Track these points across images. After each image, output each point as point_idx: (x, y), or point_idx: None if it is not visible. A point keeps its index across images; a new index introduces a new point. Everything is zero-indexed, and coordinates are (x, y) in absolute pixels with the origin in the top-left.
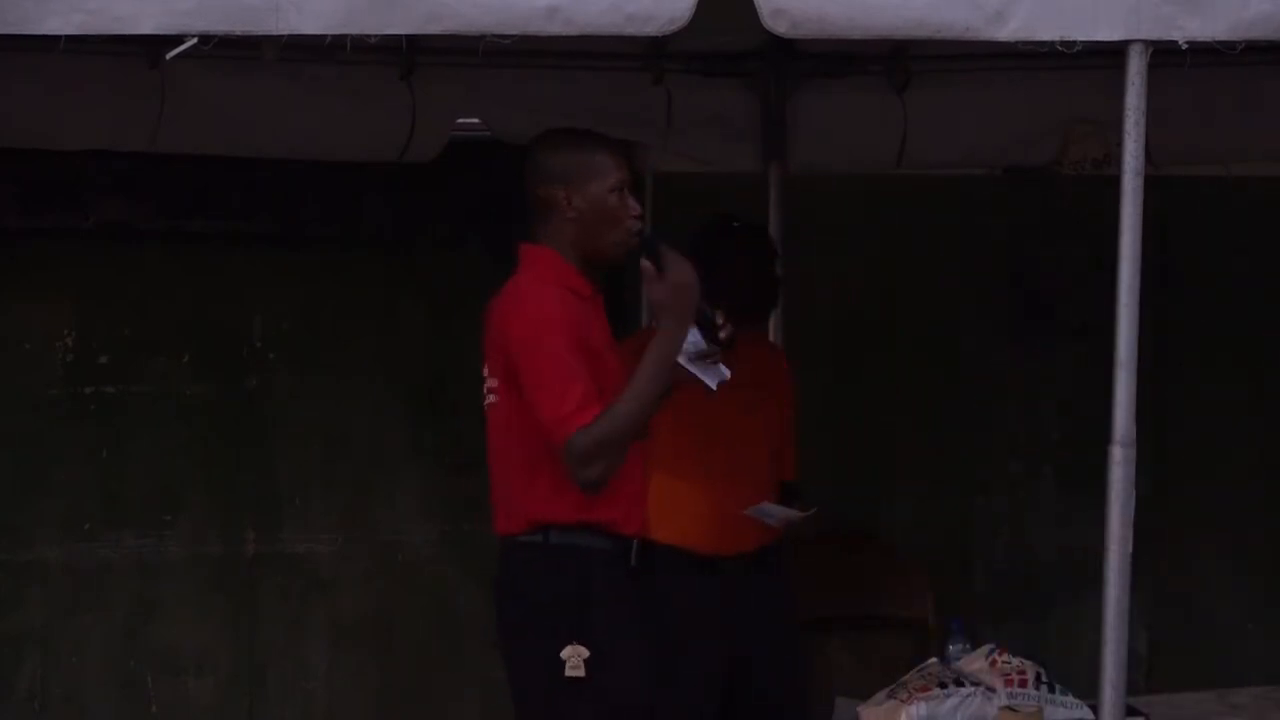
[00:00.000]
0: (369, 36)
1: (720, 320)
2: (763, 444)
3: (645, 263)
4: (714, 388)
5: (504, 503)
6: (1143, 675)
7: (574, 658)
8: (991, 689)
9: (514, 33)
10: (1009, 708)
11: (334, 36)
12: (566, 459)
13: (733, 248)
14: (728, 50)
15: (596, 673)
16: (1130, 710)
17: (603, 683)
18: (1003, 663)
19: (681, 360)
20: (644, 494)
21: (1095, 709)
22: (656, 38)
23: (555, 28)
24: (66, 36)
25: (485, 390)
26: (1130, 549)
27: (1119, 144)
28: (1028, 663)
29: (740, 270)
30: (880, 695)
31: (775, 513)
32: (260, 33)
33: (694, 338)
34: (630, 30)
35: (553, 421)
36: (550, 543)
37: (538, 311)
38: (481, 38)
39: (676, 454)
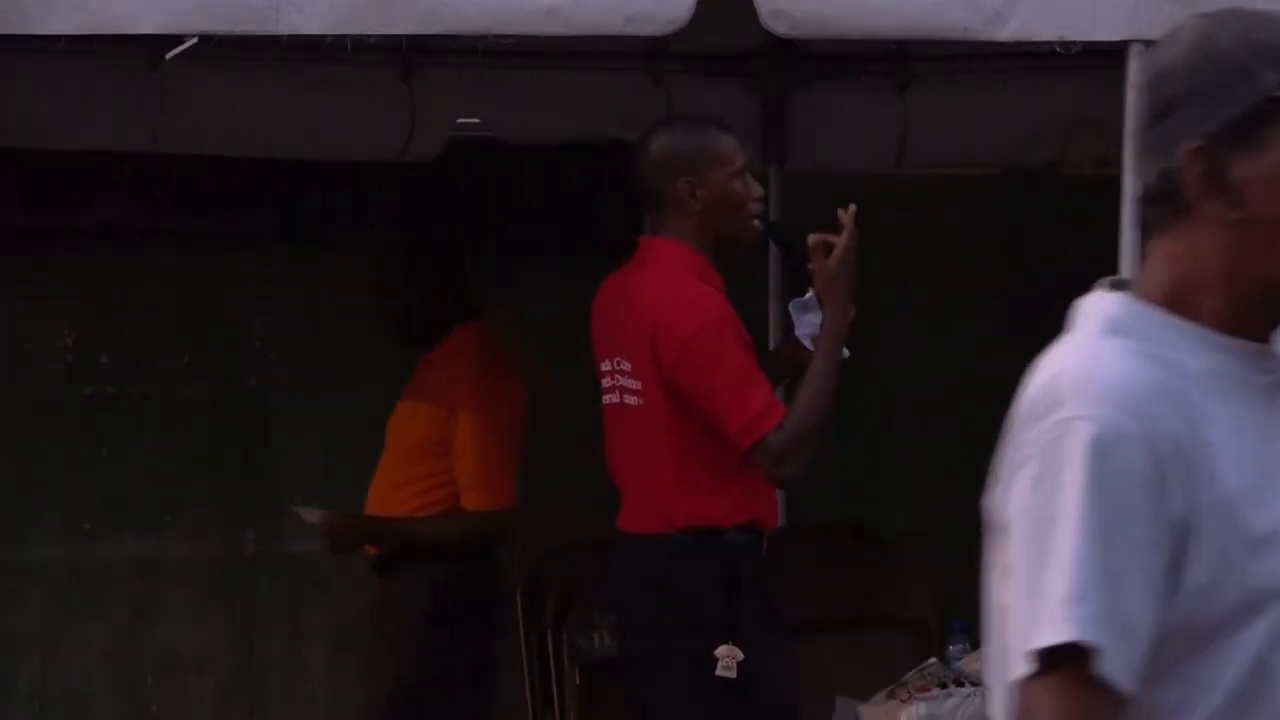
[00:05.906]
0: (369, 36)
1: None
2: None
3: (813, 239)
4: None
5: (647, 502)
6: None
7: (728, 658)
8: None
9: (514, 33)
10: None
11: (334, 36)
12: (761, 462)
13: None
14: (728, 50)
15: (747, 673)
16: None
17: (753, 683)
18: None
19: (805, 341)
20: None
21: None
22: (656, 38)
23: (555, 28)
24: (67, 36)
25: (612, 387)
26: None
27: (1119, 144)
28: None
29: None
30: (880, 695)
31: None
32: (260, 33)
33: (816, 319)
34: (630, 31)
35: (740, 431)
36: (704, 543)
37: (705, 314)
38: (481, 38)
39: None
